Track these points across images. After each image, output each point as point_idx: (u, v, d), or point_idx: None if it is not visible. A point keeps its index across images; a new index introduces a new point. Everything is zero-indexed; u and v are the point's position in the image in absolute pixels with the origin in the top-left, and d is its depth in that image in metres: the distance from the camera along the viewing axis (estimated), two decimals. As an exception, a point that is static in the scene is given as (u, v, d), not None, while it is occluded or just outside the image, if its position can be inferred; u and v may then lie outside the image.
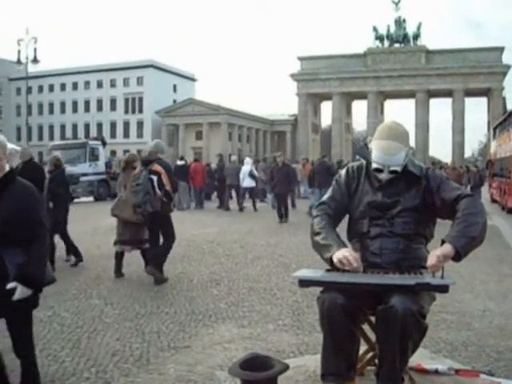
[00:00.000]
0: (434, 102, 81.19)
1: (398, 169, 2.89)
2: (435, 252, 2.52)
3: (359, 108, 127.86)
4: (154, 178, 7.71)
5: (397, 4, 76.88)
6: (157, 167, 7.81)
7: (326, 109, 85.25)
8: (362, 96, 79.31)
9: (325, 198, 3.13)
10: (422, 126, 74.41)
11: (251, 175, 19.60)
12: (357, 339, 2.76)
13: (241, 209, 19.61)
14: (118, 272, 8.07)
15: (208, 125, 79.57)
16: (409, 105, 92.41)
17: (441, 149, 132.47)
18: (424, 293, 2.65)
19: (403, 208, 2.89)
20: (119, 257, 8.26)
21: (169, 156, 37.10)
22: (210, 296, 6.69)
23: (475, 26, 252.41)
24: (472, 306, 6.29)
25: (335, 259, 2.74)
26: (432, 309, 5.80)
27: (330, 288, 2.69)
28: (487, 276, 8.13)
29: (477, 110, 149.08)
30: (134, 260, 9.20)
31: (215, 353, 4.59)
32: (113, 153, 71.69)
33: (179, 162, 22.38)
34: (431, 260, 2.50)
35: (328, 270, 2.83)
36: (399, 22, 76.29)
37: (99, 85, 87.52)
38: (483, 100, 78.75)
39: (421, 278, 2.59)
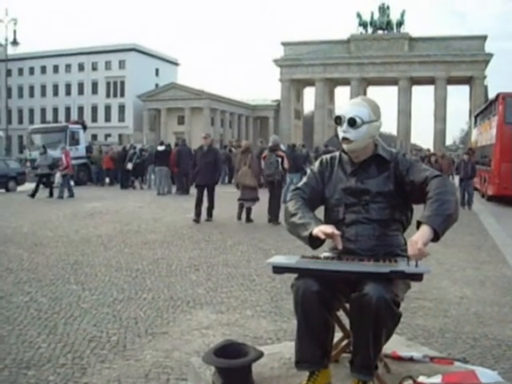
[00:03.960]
0: (416, 89, 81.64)
1: (358, 119, 2.85)
2: (414, 240, 2.50)
3: (342, 94, 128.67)
4: (279, 159, 12.66)
5: (381, -9, 76.95)
6: (280, 152, 13.14)
7: (309, 95, 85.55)
8: (345, 82, 79.39)
9: (299, 184, 3.12)
10: (405, 112, 74.69)
11: None
12: (331, 326, 2.75)
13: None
14: (249, 219, 12.59)
15: (190, 110, 79.16)
16: (392, 92, 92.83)
17: (423, 136, 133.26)
18: (399, 281, 2.64)
19: (377, 192, 2.88)
20: (241, 208, 12.74)
21: (149, 141, 36.81)
22: (189, 282, 6.68)
23: (458, 15, 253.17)
24: (449, 292, 6.35)
25: (315, 231, 2.73)
26: (409, 295, 5.87)
27: (305, 275, 2.67)
28: (465, 263, 8.21)
29: (459, 98, 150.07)
30: (112, 245, 9.21)
31: (193, 339, 4.59)
32: (94, 137, 71.27)
33: (160, 148, 22.27)
34: (412, 250, 2.49)
35: (303, 257, 2.82)
36: (383, 9, 76.34)
37: (80, 68, 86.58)
38: (465, 88, 79.16)
39: (395, 265, 2.57)
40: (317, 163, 3.15)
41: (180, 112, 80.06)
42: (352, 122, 2.86)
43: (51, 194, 19.63)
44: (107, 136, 76.22)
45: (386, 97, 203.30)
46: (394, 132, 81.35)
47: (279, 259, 2.81)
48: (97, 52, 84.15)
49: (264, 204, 12.77)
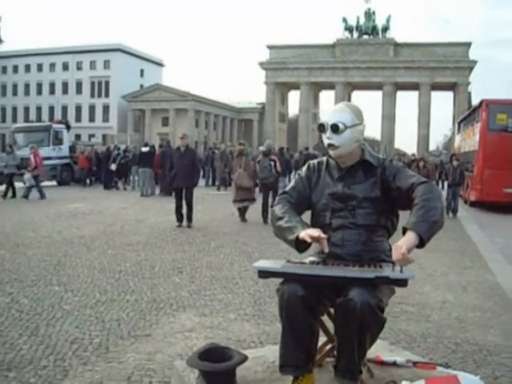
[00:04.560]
0: (401, 94, 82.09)
1: (340, 125, 2.87)
2: (399, 245, 2.51)
3: (327, 98, 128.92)
4: (272, 163, 13.28)
5: (367, -4, 77.42)
6: (273, 156, 13.73)
7: (294, 98, 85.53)
8: (329, 86, 79.68)
9: (287, 188, 3.13)
10: (389, 117, 75.15)
11: None
12: (316, 331, 2.76)
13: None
14: (243, 219, 13.07)
15: (175, 111, 78.98)
16: (376, 96, 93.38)
17: (406, 141, 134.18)
18: (383, 286, 2.65)
19: (363, 198, 2.89)
20: (242, 211, 13.16)
21: (133, 141, 36.66)
22: (172, 284, 6.66)
23: (443, 21, 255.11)
24: (432, 297, 6.39)
25: (301, 235, 2.73)
26: (392, 300, 5.87)
27: (290, 279, 2.68)
28: (448, 268, 8.26)
29: (443, 104, 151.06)
30: (95, 246, 9.16)
31: (176, 341, 4.57)
32: (78, 137, 70.90)
33: (144, 149, 22.19)
34: (397, 255, 2.50)
35: (288, 261, 2.82)
36: (369, 14, 76.81)
37: (65, 67, 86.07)
38: (449, 94, 79.81)
39: (380, 271, 2.58)
40: (304, 168, 3.17)
41: (164, 113, 79.83)
42: (335, 128, 2.88)
43: (14, 195, 19.45)
44: (91, 136, 75.95)
45: (370, 101, 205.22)
46: (378, 137, 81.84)
47: (265, 263, 2.80)
48: (82, 51, 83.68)
49: (255, 207, 12.85)
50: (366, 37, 76.98)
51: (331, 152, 2.97)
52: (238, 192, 13.19)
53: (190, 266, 7.76)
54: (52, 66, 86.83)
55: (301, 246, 2.79)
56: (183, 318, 5.26)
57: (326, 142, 2.95)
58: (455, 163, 17.60)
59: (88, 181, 28.11)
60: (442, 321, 5.43)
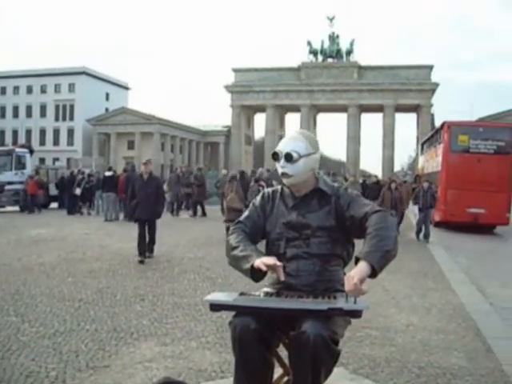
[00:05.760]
0: (365, 116, 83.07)
1: (294, 154, 2.86)
2: (351, 275, 2.48)
3: (292, 120, 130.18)
4: (260, 188, 14.38)
5: (331, 20, 78.70)
6: (262, 182, 15.76)
7: (260, 121, 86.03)
8: (295, 109, 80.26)
9: (241, 217, 3.09)
10: (354, 139, 75.87)
11: None
12: (270, 364, 2.70)
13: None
14: None
15: (140, 134, 78.67)
16: (341, 118, 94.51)
17: (372, 162, 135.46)
18: (338, 317, 2.61)
19: (318, 227, 2.87)
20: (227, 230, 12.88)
21: (98, 165, 36.33)
22: (134, 312, 6.52)
23: (407, 45, 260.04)
24: (396, 320, 6.38)
25: (256, 263, 2.69)
26: (356, 324, 5.87)
27: (243, 312, 2.63)
28: (412, 290, 8.28)
29: (407, 125, 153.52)
30: (56, 273, 8.97)
31: (135, 372, 4.46)
32: (42, 161, 70.04)
33: (107, 173, 22.00)
34: (349, 286, 2.46)
35: (242, 293, 2.77)
36: (333, 38, 77.86)
37: (29, 90, 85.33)
38: (413, 116, 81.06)
39: (334, 302, 2.54)
40: (258, 197, 3.14)
41: (130, 137, 79.47)
42: (289, 157, 2.86)
43: None
44: (55, 160, 75.11)
45: (335, 123, 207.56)
46: (344, 158, 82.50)
47: (217, 296, 2.75)
48: (46, 74, 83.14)
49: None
50: (330, 60, 77.93)
51: (285, 180, 2.94)
52: (230, 213, 13.78)
53: (153, 292, 7.63)
54: (16, 88, 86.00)
55: (256, 275, 2.74)
56: (143, 348, 5.14)
57: (279, 170, 2.93)
58: (425, 185, 17.08)
59: (36, 208, 25.92)
60: (406, 344, 5.42)
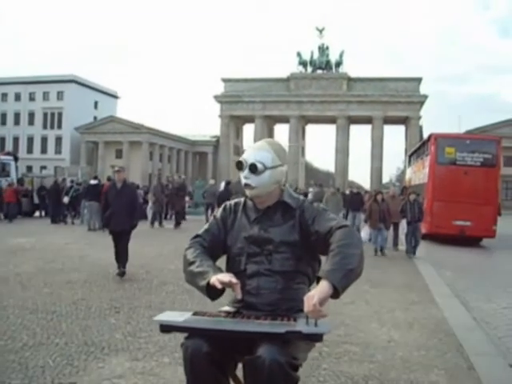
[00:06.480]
0: (354, 127, 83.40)
1: (259, 165, 2.70)
2: (311, 295, 2.30)
3: (281, 131, 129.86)
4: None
5: (321, 31, 79.17)
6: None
7: (249, 131, 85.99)
8: (284, 120, 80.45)
9: (200, 231, 2.91)
10: (342, 150, 76.07)
11: None
12: None
13: None
14: None
15: (129, 143, 78.48)
16: (330, 130, 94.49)
17: (360, 173, 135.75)
18: (298, 341, 2.44)
19: (281, 242, 2.70)
20: None
21: (84, 174, 36.04)
22: (107, 325, 6.30)
23: (396, 57, 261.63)
24: (377, 336, 6.21)
25: (212, 280, 2.52)
26: (335, 339, 5.71)
27: (195, 334, 2.45)
28: (395, 303, 8.13)
29: (396, 137, 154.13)
30: (31, 284, 8.75)
31: (102, 389, 4.26)
32: (29, 169, 69.68)
33: (92, 182, 21.79)
34: (308, 307, 2.28)
35: (196, 313, 2.58)
36: (322, 49, 78.27)
37: (17, 98, 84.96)
38: (402, 128, 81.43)
39: (293, 325, 2.35)
40: (220, 209, 2.96)
41: (118, 145, 79.24)
42: (253, 168, 2.70)
43: None
44: (43, 168, 74.60)
45: (324, 135, 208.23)
46: (332, 169, 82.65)
47: (168, 316, 2.55)
48: (35, 82, 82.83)
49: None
50: (319, 71, 78.28)
51: (247, 192, 2.77)
52: None
53: (129, 305, 7.42)
54: (4, 96, 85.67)
55: (212, 292, 2.57)
56: (114, 363, 4.94)
57: (242, 181, 2.75)
58: (412, 197, 15.86)
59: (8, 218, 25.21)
60: (386, 361, 5.26)
